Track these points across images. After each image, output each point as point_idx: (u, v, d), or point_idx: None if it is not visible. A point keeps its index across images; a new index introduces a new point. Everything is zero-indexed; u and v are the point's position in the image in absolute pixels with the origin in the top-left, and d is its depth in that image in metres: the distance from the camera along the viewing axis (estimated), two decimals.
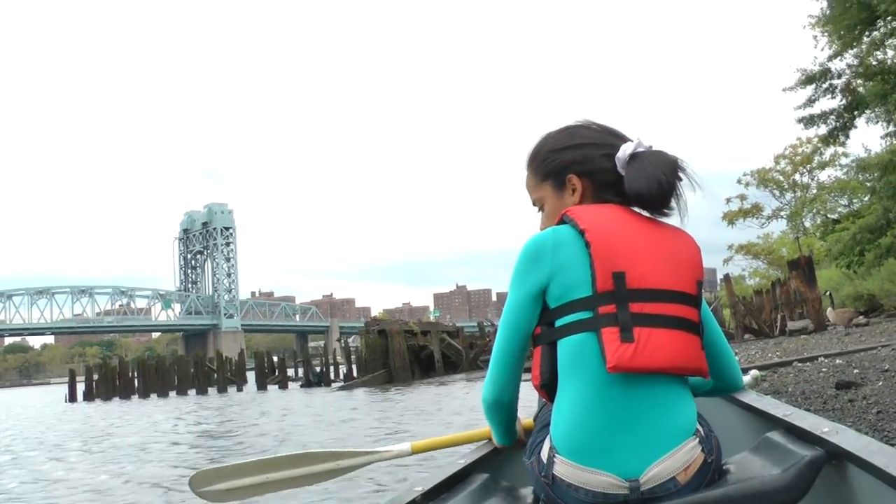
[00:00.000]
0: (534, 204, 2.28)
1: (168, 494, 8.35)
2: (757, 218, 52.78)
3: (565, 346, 1.94)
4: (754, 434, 2.49)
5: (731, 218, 52.23)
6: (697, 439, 1.90)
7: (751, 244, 53.56)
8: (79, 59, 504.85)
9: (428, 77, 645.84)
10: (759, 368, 11.93)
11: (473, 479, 2.16)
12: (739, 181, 52.89)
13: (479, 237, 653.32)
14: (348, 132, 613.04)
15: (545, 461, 1.95)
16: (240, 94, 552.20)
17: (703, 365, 1.98)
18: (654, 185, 2.03)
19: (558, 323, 1.96)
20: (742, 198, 52.72)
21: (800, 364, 11.97)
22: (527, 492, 2.12)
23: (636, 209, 2.08)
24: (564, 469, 1.89)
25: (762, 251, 52.94)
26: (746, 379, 3.21)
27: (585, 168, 2.14)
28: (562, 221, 2.04)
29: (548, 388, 2.00)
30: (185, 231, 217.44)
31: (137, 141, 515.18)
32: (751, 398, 2.82)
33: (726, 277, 34.86)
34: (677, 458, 1.86)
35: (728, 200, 53.15)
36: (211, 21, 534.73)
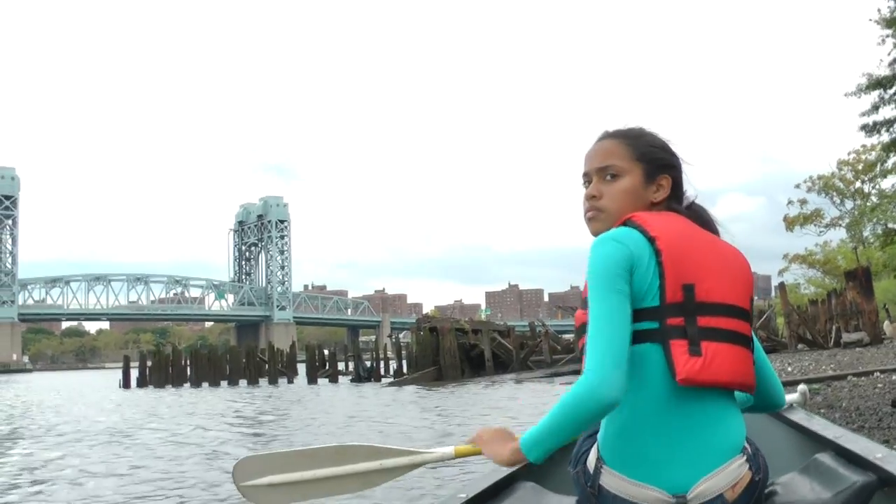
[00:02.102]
0: (601, 171, 2.12)
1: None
2: (815, 225, 51.98)
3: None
4: (803, 455, 2.47)
5: (791, 223, 51.49)
6: (745, 457, 1.88)
7: (809, 253, 52.78)
8: (145, 50, 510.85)
9: (486, 77, 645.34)
10: (810, 382, 11.77)
11: (517, 487, 2.14)
12: (798, 186, 52.18)
13: (532, 237, 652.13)
14: (405, 129, 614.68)
15: (591, 471, 1.93)
16: (298, 90, 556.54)
17: (754, 381, 1.97)
18: (713, 224, 2.11)
19: None
20: (802, 202, 51.98)
21: (854, 378, 11.80)
22: (571, 501, 2.09)
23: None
24: (611, 480, 1.88)
25: (818, 262, 52.17)
26: (794, 396, 3.13)
27: (677, 179, 2.13)
28: (624, 224, 1.99)
29: None
30: (241, 223, 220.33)
31: (196, 134, 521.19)
32: (799, 416, 2.77)
33: (781, 286, 34.41)
34: (725, 475, 1.84)
35: (789, 203, 52.44)
36: (269, 19, 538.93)
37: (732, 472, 1.85)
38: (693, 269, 1.91)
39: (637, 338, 1.88)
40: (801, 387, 3.27)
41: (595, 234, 2.05)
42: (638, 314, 1.89)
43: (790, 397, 3.06)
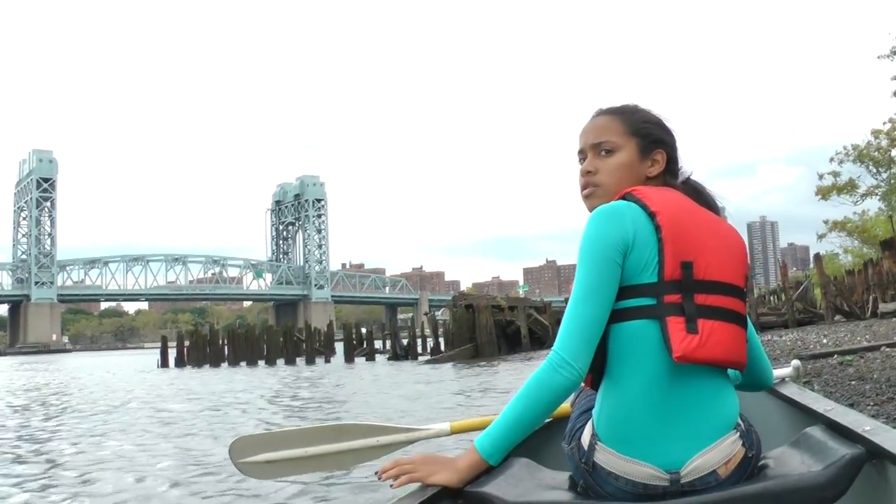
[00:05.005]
0: (596, 146, 2.15)
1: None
2: (851, 195, 51.22)
3: (622, 331, 1.90)
4: (793, 428, 2.48)
5: (824, 193, 50.78)
6: (738, 433, 1.90)
7: (847, 220, 52.06)
8: (182, 32, 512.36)
9: (526, 53, 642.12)
10: (843, 353, 11.68)
11: (511, 463, 2.09)
12: (832, 159, 51.40)
13: (570, 212, 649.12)
14: (443, 107, 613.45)
15: (586, 447, 1.95)
16: (335, 70, 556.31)
17: (746, 359, 1.99)
18: (712, 200, 2.13)
19: (618, 305, 1.91)
20: (835, 174, 51.18)
21: (888, 349, 11.66)
22: (565, 477, 2.09)
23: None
24: (605, 457, 1.90)
25: (856, 230, 51.53)
26: (788, 370, 3.16)
27: (671, 156, 2.15)
28: (623, 198, 2.01)
29: (594, 374, 1.96)
30: (278, 202, 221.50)
31: (233, 115, 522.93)
32: (791, 391, 2.78)
33: (817, 257, 34.11)
34: (718, 452, 1.86)
35: (821, 177, 51.72)
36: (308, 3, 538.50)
37: (725, 449, 1.88)
38: (692, 246, 1.92)
39: (634, 314, 1.90)
40: (795, 362, 3.31)
41: (592, 210, 2.04)
42: (635, 290, 1.91)
43: (783, 371, 3.10)
